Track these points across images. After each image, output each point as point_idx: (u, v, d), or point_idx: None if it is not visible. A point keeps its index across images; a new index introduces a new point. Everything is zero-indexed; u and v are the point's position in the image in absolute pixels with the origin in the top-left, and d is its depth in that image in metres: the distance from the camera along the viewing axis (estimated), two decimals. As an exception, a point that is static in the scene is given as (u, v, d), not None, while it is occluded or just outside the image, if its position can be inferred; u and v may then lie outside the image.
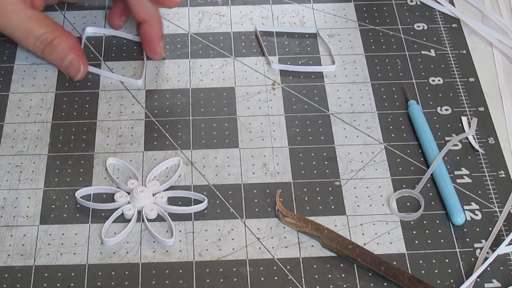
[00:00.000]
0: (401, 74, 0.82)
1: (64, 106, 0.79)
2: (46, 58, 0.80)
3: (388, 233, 0.71)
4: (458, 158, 0.76)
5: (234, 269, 0.68)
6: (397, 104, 0.80)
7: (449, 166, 0.75)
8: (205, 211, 0.72)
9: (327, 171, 0.75)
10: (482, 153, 0.76)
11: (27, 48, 0.80)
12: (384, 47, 0.85)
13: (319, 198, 0.73)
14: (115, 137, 0.77)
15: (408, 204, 0.73)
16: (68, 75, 0.80)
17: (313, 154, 0.76)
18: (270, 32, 0.86)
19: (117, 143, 0.76)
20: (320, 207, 0.72)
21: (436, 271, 0.68)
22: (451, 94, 0.81)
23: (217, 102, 0.80)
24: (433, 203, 0.72)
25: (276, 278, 0.68)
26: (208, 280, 0.67)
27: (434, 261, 0.69)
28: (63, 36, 0.80)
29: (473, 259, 0.69)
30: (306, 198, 0.73)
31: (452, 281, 0.68)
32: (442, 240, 0.70)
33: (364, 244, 0.70)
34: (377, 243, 0.70)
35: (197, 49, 0.84)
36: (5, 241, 0.69)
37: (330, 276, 0.68)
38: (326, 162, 0.75)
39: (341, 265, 0.68)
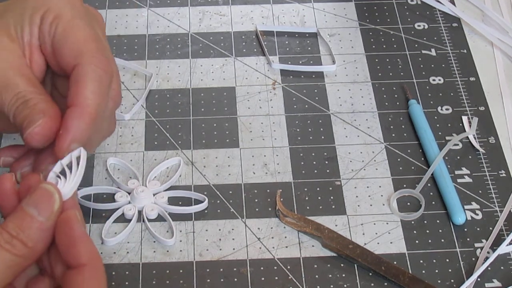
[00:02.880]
0: (401, 73, 0.82)
1: (64, 106, 0.79)
2: (15, 119, 0.61)
3: (389, 233, 0.71)
4: (458, 157, 0.76)
5: (235, 269, 0.68)
6: (398, 103, 0.80)
7: (449, 166, 0.75)
8: (206, 211, 0.72)
9: (328, 170, 0.75)
10: (483, 152, 0.76)
11: (1, 104, 0.62)
12: (384, 46, 0.85)
13: (319, 198, 0.73)
14: (115, 137, 0.77)
15: (408, 203, 0.73)
16: (25, 142, 0.61)
17: (313, 154, 0.76)
18: (271, 32, 0.86)
19: (118, 143, 0.76)
20: (321, 207, 0.72)
21: (436, 271, 0.68)
22: (451, 94, 0.81)
23: (218, 102, 0.80)
24: (433, 202, 0.72)
25: (276, 278, 0.68)
26: (208, 280, 0.67)
27: (434, 261, 0.69)
28: (46, 103, 0.62)
29: (473, 259, 0.69)
30: (307, 198, 0.73)
31: (452, 280, 0.67)
32: (442, 240, 0.70)
33: (365, 244, 0.70)
34: (378, 243, 0.70)
35: (197, 49, 0.84)
36: (5, 241, 0.69)
37: (330, 276, 0.68)
38: (326, 162, 0.75)
39: (342, 265, 0.68)
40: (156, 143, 0.76)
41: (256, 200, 0.72)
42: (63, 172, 0.59)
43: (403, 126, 0.78)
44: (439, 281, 0.67)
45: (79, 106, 0.60)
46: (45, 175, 0.58)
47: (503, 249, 0.69)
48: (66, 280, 0.54)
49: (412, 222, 0.71)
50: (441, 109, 0.79)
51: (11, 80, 0.62)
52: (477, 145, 0.76)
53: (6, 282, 0.53)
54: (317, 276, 0.68)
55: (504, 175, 0.74)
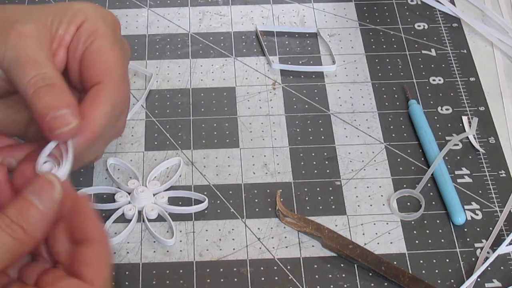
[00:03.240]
0: (401, 73, 0.82)
1: (64, 106, 0.79)
2: (34, 100, 0.60)
3: (389, 233, 0.71)
4: (458, 157, 0.76)
5: (235, 269, 0.68)
6: (398, 103, 0.80)
7: (449, 166, 0.75)
8: (206, 211, 0.72)
9: (328, 171, 0.75)
10: (483, 152, 0.76)
11: (17, 78, 0.61)
12: (384, 46, 0.85)
13: (319, 198, 0.73)
14: (115, 137, 0.77)
15: (408, 204, 0.73)
16: (45, 129, 0.60)
17: (313, 154, 0.76)
18: (271, 32, 0.86)
19: (118, 143, 0.76)
20: (321, 207, 0.72)
21: (436, 271, 0.68)
22: (451, 94, 0.81)
23: (218, 102, 0.80)
24: (433, 203, 0.72)
25: (276, 278, 0.68)
26: (208, 280, 0.67)
27: (434, 261, 0.69)
28: (72, 96, 0.61)
29: (473, 259, 0.69)
30: (307, 198, 0.73)
31: (452, 281, 0.67)
32: (442, 240, 0.70)
33: (365, 244, 0.70)
34: (378, 243, 0.70)
35: (197, 49, 0.84)
36: (5, 241, 0.69)
37: (330, 276, 0.68)
38: (326, 162, 0.75)
39: (342, 265, 0.68)
40: (156, 143, 0.77)
41: (256, 200, 0.72)
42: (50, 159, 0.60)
43: (403, 126, 0.78)
44: (439, 281, 0.67)
45: (87, 122, 0.60)
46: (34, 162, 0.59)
47: (503, 249, 0.69)
48: (75, 255, 0.55)
49: (412, 222, 0.71)
50: (441, 109, 0.79)
51: (39, 57, 0.61)
52: (477, 145, 0.76)
53: (3, 265, 0.53)
54: (317, 276, 0.68)
55: (504, 175, 0.74)
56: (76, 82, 0.64)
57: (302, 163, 0.75)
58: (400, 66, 0.83)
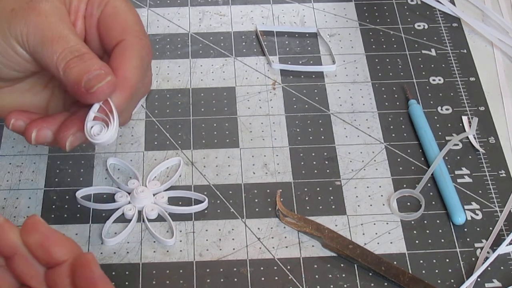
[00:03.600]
0: (401, 73, 0.82)
1: (64, 106, 0.79)
2: (67, 72, 0.61)
3: (389, 233, 0.71)
4: (458, 157, 0.76)
5: (235, 269, 0.68)
6: (398, 103, 0.80)
7: (449, 166, 0.75)
8: (206, 211, 0.72)
9: (328, 171, 0.75)
10: (483, 152, 0.76)
11: (45, 57, 0.62)
12: (384, 46, 0.85)
13: (319, 198, 0.73)
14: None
15: (408, 204, 0.73)
16: (83, 94, 0.61)
17: (313, 154, 0.76)
18: (271, 32, 0.86)
19: (118, 143, 0.76)
20: (321, 207, 0.72)
21: (436, 271, 0.68)
22: (451, 94, 0.81)
23: (218, 102, 0.80)
24: (433, 202, 0.72)
25: (276, 278, 0.68)
26: (208, 280, 0.67)
27: (434, 261, 0.69)
28: (101, 60, 0.63)
29: (473, 259, 0.69)
30: (307, 198, 0.73)
31: (452, 281, 0.67)
32: (442, 240, 0.70)
33: (365, 244, 0.70)
34: (378, 243, 0.70)
35: (197, 49, 0.84)
36: (5, 241, 0.69)
37: (330, 276, 0.68)
38: (326, 162, 0.75)
39: (342, 265, 0.68)
40: (156, 143, 0.76)
41: (256, 200, 0.72)
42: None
43: (403, 126, 0.78)
44: (439, 281, 0.67)
45: (121, 78, 0.62)
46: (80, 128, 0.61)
47: (503, 249, 0.69)
48: None
49: (412, 222, 0.71)
50: (441, 109, 0.79)
51: (62, 33, 0.62)
52: (477, 145, 0.76)
53: None
54: (317, 276, 0.68)
55: (504, 175, 0.74)
56: (97, 48, 0.65)
57: (302, 163, 0.75)
58: (400, 66, 0.83)
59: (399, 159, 0.76)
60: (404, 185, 0.74)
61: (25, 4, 0.62)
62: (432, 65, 0.83)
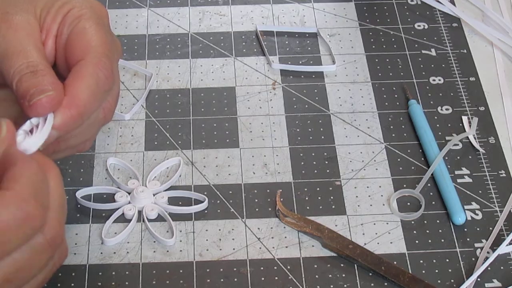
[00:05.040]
0: (401, 73, 0.82)
1: (64, 106, 0.79)
2: (17, 86, 0.60)
3: (389, 233, 0.71)
4: (458, 157, 0.76)
5: (235, 269, 0.68)
6: (398, 103, 0.80)
7: (449, 166, 0.75)
8: (206, 211, 0.72)
9: (328, 171, 0.75)
10: (483, 152, 0.76)
11: (5, 70, 0.61)
12: (384, 46, 0.85)
13: (319, 198, 0.73)
14: (115, 137, 0.77)
15: (408, 204, 0.73)
16: (25, 107, 0.60)
17: (313, 154, 0.76)
18: (271, 32, 0.86)
19: (118, 143, 0.76)
20: (321, 207, 0.72)
21: (436, 271, 0.68)
22: (451, 94, 0.81)
23: (218, 102, 0.80)
24: (433, 202, 0.72)
25: (276, 278, 0.68)
26: (208, 280, 0.67)
27: (434, 261, 0.69)
28: (55, 78, 0.61)
29: (473, 259, 0.69)
30: (307, 198, 0.73)
31: (452, 281, 0.67)
32: (442, 240, 0.70)
33: (365, 244, 0.70)
34: (378, 243, 0.70)
35: (197, 49, 0.84)
36: (5, 241, 0.69)
37: (330, 276, 0.68)
38: (326, 162, 0.75)
39: (342, 265, 0.68)
40: (156, 143, 0.77)
41: (256, 200, 0.72)
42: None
43: (403, 126, 0.78)
44: (439, 281, 0.67)
45: (70, 96, 0.60)
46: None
47: (503, 249, 0.69)
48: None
49: (412, 222, 0.71)
50: (441, 109, 0.79)
51: (26, 47, 0.61)
52: (477, 145, 0.76)
53: None
54: (317, 276, 0.68)
55: (504, 175, 0.74)
56: (65, 68, 0.64)
57: (302, 163, 0.75)
58: (400, 66, 0.83)
59: (399, 159, 0.76)
60: (404, 185, 0.74)
61: (0, 14, 0.62)
62: (432, 65, 0.83)
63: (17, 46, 0.61)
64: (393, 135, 0.77)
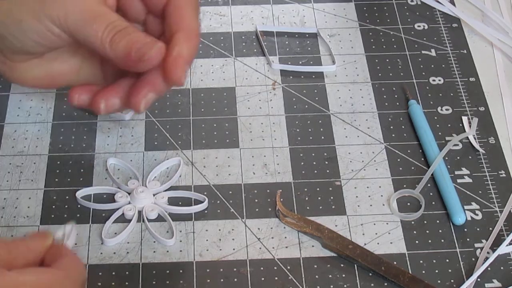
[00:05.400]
0: (401, 74, 0.82)
1: (64, 106, 0.79)
2: (113, 47, 0.64)
3: (389, 233, 0.71)
4: (458, 158, 0.76)
5: (235, 269, 0.68)
6: (398, 104, 0.80)
7: (449, 166, 0.75)
8: (206, 211, 0.72)
9: (328, 171, 0.75)
10: (483, 153, 0.76)
11: (89, 35, 0.64)
12: (384, 47, 0.85)
13: (319, 198, 0.73)
14: (115, 137, 0.77)
15: (408, 204, 0.73)
16: (133, 63, 0.64)
17: (313, 154, 0.76)
18: (271, 32, 0.86)
19: (118, 143, 0.76)
20: (321, 207, 0.72)
21: (436, 271, 0.68)
22: (451, 94, 0.81)
23: (218, 102, 0.80)
24: (433, 203, 0.72)
25: (276, 278, 0.68)
26: (208, 280, 0.67)
27: (434, 261, 0.69)
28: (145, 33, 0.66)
29: (473, 259, 0.69)
30: (307, 198, 0.73)
31: (452, 281, 0.68)
32: (442, 240, 0.70)
33: (365, 244, 0.70)
34: (378, 243, 0.70)
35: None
36: (5, 242, 0.69)
37: (330, 276, 0.68)
38: (326, 162, 0.75)
39: (342, 265, 0.68)
40: (156, 143, 0.77)
41: (256, 200, 0.72)
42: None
43: (403, 127, 0.78)
44: (439, 281, 0.67)
45: (186, 30, 0.65)
46: None
47: (503, 249, 0.69)
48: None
49: (412, 223, 0.71)
50: (441, 110, 0.79)
51: (101, 11, 0.64)
52: (477, 146, 0.76)
53: None
54: (317, 277, 0.68)
55: (504, 175, 0.74)
56: (135, 13, 0.68)
57: (302, 163, 0.75)
58: (400, 66, 0.83)
59: (399, 159, 0.76)
60: (404, 185, 0.74)
61: None
62: (432, 66, 0.83)
63: (93, 11, 0.64)
64: (393, 135, 0.77)
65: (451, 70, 0.83)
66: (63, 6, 0.63)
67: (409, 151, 0.76)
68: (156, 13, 0.68)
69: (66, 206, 0.72)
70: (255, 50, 0.84)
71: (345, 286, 0.67)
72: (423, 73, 0.82)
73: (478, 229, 0.71)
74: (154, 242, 0.70)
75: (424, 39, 0.86)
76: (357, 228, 0.71)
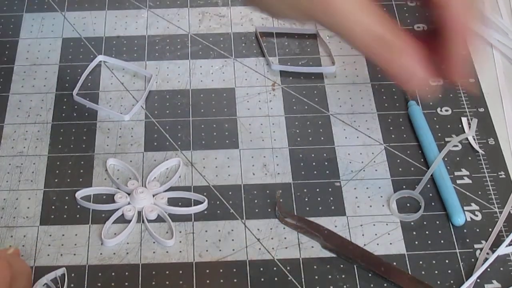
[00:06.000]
0: (401, 75, 0.82)
1: (64, 107, 0.79)
2: (373, 51, 0.63)
3: (388, 234, 0.71)
4: (458, 158, 0.76)
5: (234, 270, 0.68)
6: (397, 105, 0.80)
7: (449, 167, 0.75)
8: (205, 212, 0.72)
9: (327, 172, 0.75)
10: (482, 154, 0.76)
11: (350, 34, 0.62)
12: (384, 48, 0.85)
13: (319, 198, 0.73)
14: (115, 138, 0.77)
15: (408, 204, 0.73)
16: (396, 79, 0.63)
17: (313, 155, 0.76)
18: (270, 33, 0.86)
19: (117, 144, 0.76)
20: (320, 208, 0.72)
21: (436, 272, 0.68)
22: (451, 95, 0.81)
23: (217, 103, 0.80)
24: (433, 203, 0.72)
25: (276, 279, 0.68)
26: (208, 281, 0.67)
27: (434, 261, 0.69)
28: (406, 44, 0.64)
29: (473, 260, 0.69)
30: (306, 199, 0.73)
31: (452, 281, 0.68)
32: (442, 241, 0.70)
33: (364, 244, 0.70)
34: (377, 244, 0.70)
35: (197, 50, 0.84)
36: (5, 242, 0.69)
37: (330, 277, 0.68)
38: (326, 163, 0.75)
39: (341, 266, 0.68)
40: (155, 144, 0.77)
41: (256, 201, 0.72)
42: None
43: (402, 127, 0.78)
44: (438, 282, 0.67)
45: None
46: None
47: (502, 250, 0.69)
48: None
49: (412, 223, 0.71)
50: (441, 110, 0.80)
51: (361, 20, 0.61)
52: (476, 147, 0.76)
53: None
54: (316, 277, 0.68)
55: (503, 176, 0.74)
56: None
57: (302, 164, 0.75)
58: (399, 67, 0.83)
59: (398, 160, 0.76)
60: (404, 186, 0.74)
61: None
62: (432, 66, 0.83)
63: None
64: (393, 136, 0.77)
65: (451, 71, 0.83)
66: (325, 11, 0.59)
67: (408, 152, 0.76)
68: None
69: (66, 207, 0.72)
70: (255, 51, 0.84)
71: (344, 286, 0.67)
72: (423, 74, 0.82)
73: (477, 230, 0.71)
74: (154, 242, 0.70)
75: (424, 40, 0.85)
76: (357, 228, 0.71)
